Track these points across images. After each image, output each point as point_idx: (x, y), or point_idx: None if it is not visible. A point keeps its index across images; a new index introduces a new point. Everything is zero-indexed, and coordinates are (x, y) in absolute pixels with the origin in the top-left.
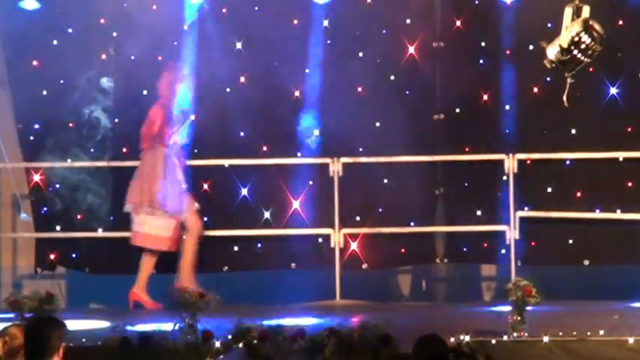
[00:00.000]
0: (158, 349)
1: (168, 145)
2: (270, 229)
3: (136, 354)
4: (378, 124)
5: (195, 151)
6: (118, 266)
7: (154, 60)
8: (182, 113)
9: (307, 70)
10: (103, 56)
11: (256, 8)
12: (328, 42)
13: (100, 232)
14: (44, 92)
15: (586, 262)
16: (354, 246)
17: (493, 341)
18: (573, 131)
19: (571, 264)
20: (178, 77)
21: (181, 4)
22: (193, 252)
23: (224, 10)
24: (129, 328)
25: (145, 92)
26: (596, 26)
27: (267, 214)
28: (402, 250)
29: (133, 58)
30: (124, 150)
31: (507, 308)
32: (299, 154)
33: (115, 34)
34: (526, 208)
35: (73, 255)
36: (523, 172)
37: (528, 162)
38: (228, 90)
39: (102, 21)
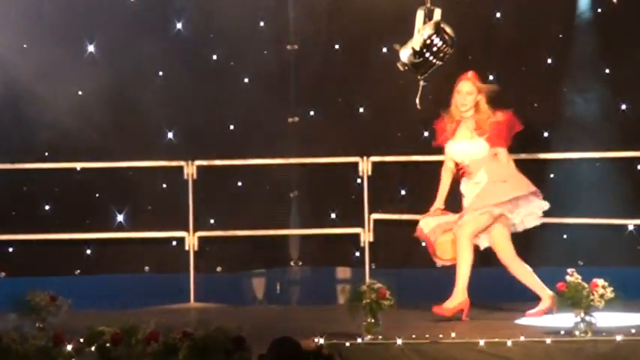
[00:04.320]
0: (7, 351)
1: None
2: (123, 232)
3: None
4: (232, 127)
5: (46, 154)
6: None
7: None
8: None
9: (161, 73)
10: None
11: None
12: (181, 44)
13: None
14: None
15: (439, 264)
16: (208, 249)
17: (347, 344)
18: (426, 134)
19: (424, 266)
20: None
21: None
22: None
23: None
24: None
25: (80, 93)
26: (448, 29)
27: (120, 217)
28: (257, 253)
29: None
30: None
31: None
32: (153, 156)
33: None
34: (380, 211)
35: None
36: (377, 174)
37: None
38: (79, 93)
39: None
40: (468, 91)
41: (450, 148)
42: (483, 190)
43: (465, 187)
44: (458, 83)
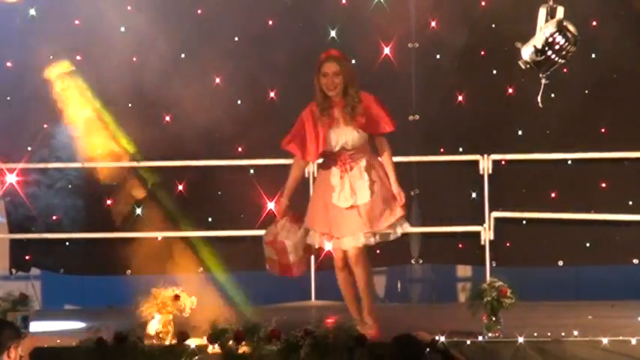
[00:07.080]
0: (133, 350)
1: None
2: (245, 229)
3: (111, 355)
4: None
5: (170, 152)
6: (93, 267)
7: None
8: None
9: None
10: (78, 57)
11: (234, 9)
12: (301, 43)
13: (74, 233)
14: (16, 93)
15: (560, 263)
16: (329, 247)
17: (468, 342)
18: (547, 132)
19: (545, 265)
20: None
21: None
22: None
23: (199, 12)
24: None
25: None
26: (570, 27)
27: (242, 215)
28: (377, 251)
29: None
30: None
31: None
32: (273, 155)
33: (88, 35)
34: (500, 209)
35: (48, 256)
36: (498, 172)
37: (503, 162)
38: (203, 91)
39: (76, 22)
40: (334, 71)
41: (329, 138)
42: (364, 214)
43: (335, 178)
44: (321, 65)
